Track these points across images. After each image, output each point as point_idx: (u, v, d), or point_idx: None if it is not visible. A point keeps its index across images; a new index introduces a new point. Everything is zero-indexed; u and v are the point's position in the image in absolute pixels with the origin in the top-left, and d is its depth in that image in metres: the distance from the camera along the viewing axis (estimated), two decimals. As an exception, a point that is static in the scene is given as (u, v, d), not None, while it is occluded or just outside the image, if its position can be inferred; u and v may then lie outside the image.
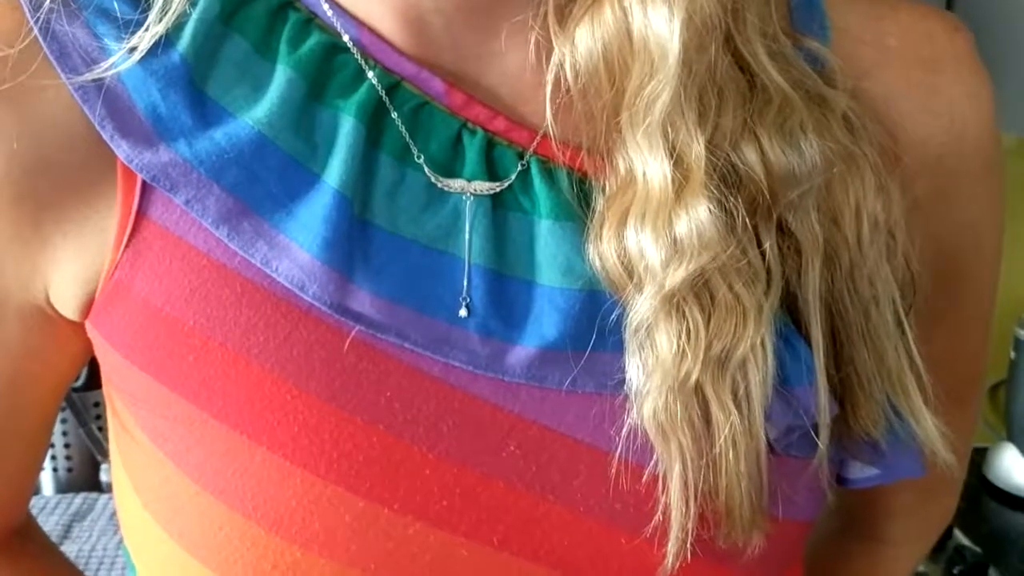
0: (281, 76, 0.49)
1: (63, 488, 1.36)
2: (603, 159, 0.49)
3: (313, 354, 0.49)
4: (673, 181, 0.47)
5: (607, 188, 0.49)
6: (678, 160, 0.47)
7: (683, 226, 0.47)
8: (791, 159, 0.49)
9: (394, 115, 0.50)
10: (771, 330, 0.48)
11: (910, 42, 0.54)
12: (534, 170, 0.50)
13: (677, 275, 0.47)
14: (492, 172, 0.50)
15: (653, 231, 0.47)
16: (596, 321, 0.49)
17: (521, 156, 0.51)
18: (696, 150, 0.47)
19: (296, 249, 0.48)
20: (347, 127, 0.49)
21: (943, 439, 0.53)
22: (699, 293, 0.48)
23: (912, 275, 0.53)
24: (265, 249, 0.48)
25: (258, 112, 0.49)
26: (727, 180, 0.48)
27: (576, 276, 0.49)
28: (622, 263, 0.48)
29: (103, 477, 1.33)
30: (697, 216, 0.47)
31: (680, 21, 0.45)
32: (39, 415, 0.59)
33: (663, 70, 0.46)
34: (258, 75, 0.50)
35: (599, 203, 0.49)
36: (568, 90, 0.49)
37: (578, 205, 0.50)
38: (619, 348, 0.49)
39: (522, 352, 0.49)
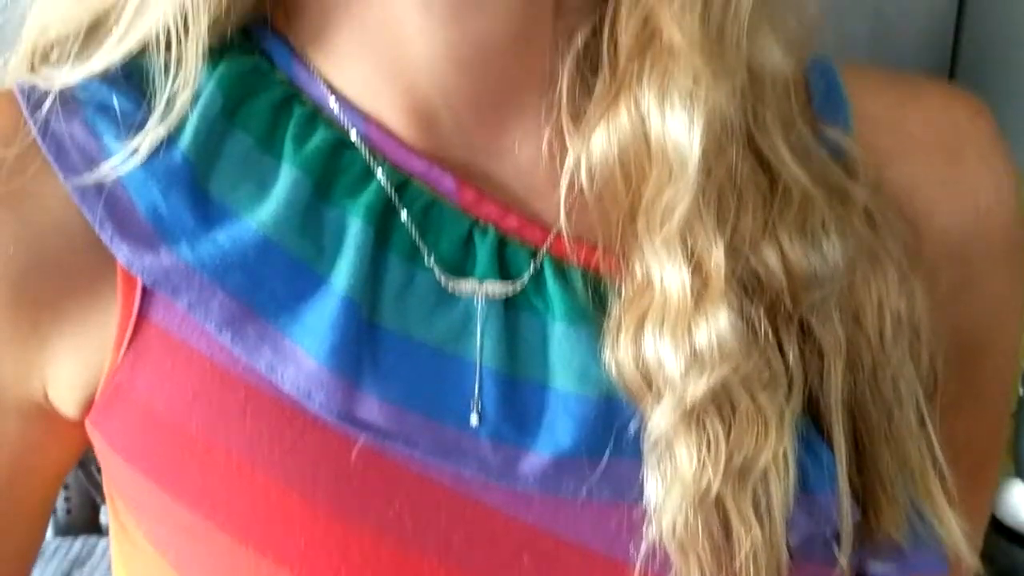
0: (287, 176, 0.47)
1: (62, 530, 1.34)
2: (619, 260, 0.48)
3: (320, 463, 0.47)
4: (692, 289, 0.45)
5: (623, 291, 0.48)
6: (697, 267, 0.46)
7: (703, 337, 0.45)
8: (813, 261, 0.48)
9: (403, 215, 0.48)
10: (793, 438, 0.47)
11: (933, 130, 0.53)
12: (547, 270, 0.49)
13: (698, 387, 0.45)
14: (504, 271, 0.49)
15: (672, 340, 0.46)
16: (613, 429, 0.47)
17: (534, 255, 0.49)
18: (716, 256, 0.46)
19: (302, 355, 0.46)
20: (355, 229, 0.47)
21: (967, 540, 0.52)
22: (720, 404, 0.46)
23: (935, 373, 0.52)
24: (270, 355, 0.47)
25: (263, 214, 0.47)
26: (747, 285, 0.47)
27: (592, 382, 0.47)
28: (640, 372, 0.46)
29: (103, 519, 1.31)
30: (717, 326, 0.45)
31: (700, 129, 0.44)
32: (40, 501, 0.58)
33: (682, 178, 0.44)
34: (262, 172, 0.48)
35: (615, 307, 0.47)
36: (583, 190, 0.48)
37: (593, 307, 0.48)
38: (637, 456, 0.47)
39: (536, 460, 0.47)
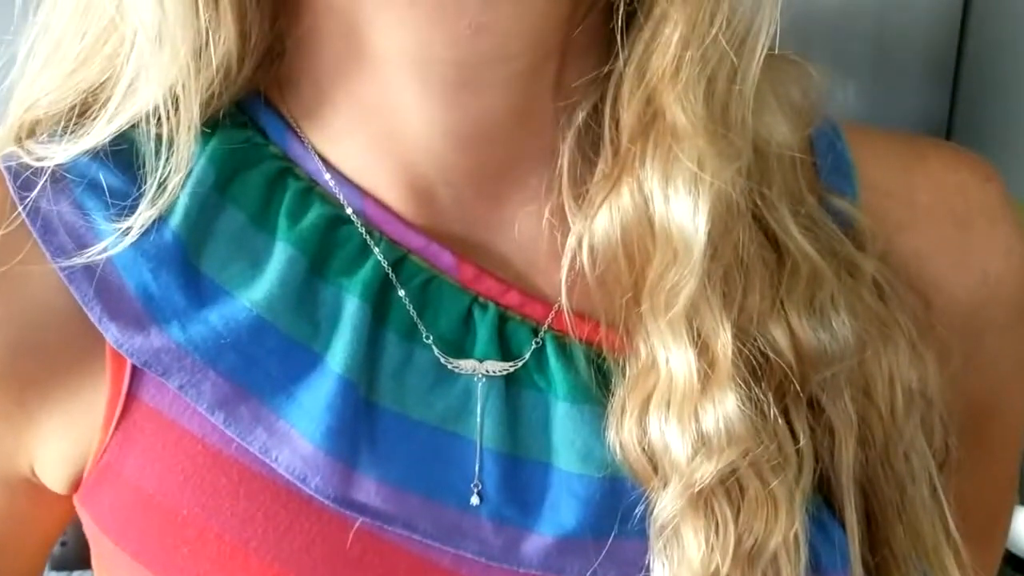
0: (281, 254, 0.46)
1: (57, 564, 1.32)
2: (623, 339, 0.46)
3: (316, 546, 0.45)
4: (698, 372, 0.44)
5: (627, 370, 0.46)
6: (703, 349, 0.44)
7: (710, 421, 0.44)
8: (822, 339, 0.46)
9: (401, 292, 0.47)
10: (804, 519, 0.45)
11: (941, 197, 0.52)
12: (549, 348, 0.47)
13: (705, 472, 0.44)
14: (505, 348, 0.47)
15: (679, 424, 0.44)
16: (618, 510, 0.46)
17: (535, 331, 0.48)
18: (722, 338, 0.44)
19: (297, 437, 0.45)
20: (351, 308, 0.46)
21: None
22: (728, 488, 0.44)
23: (948, 444, 0.51)
24: (264, 437, 0.45)
25: (256, 293, 0.46)
26: (755, 365, 0.45)
27: (596, 463, 0.46)
28: (646, 454, 0.45)
29: (98, 554, 1.30)
30: (725, 410, 0.44)
31: (705, 213, 0.43)
32: (31, 565, 0.57)
33: (687, 262, 0.43)
34: (256, 249, 0.47)
35: (619, 387, 0.46)
36: (584, 269, 0.46)
37: (596, 385, 0.47)
38: (642, 537, 0.46)
39: (539, 541, 0.46)
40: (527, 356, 0.47)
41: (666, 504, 0.45)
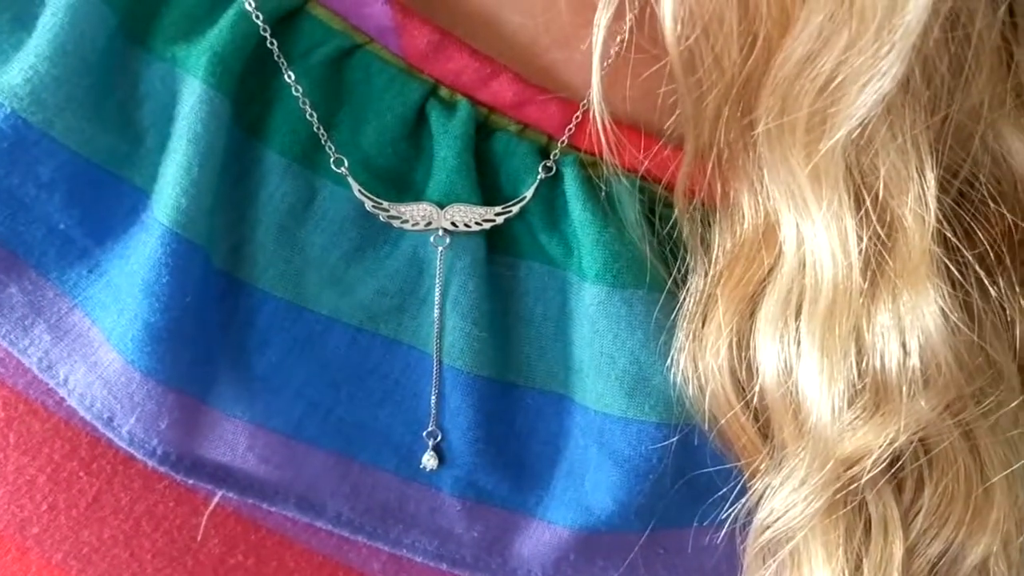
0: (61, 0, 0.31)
1: None
2: (711, 179, 0.31)
3: (140, 538, 0.31)
4: (866, 260, 0.28)
5: (718, 237, 0.31)
6: (875, 210, 0.28)
7: (890, 345, 0.28)
8: None
9: (288, 75, 0.31)
10: None
11: None
12: (569, 183, 0.32)
13: (869, 446, 0.28)
14: (489, 184, 0.33)
15: (823, 351, 0.28)
16: (694, 485, 0.31)
17: (544, 153, 0.32)
18: (916, 187, 0.27)
19: (101, 345, 0.30)
20: (191, 100, 0.30)
21: None
22: (902, 470, 0.30)
23: None
24: (47, 341, 0.30)
25: (12, 75, 0.30)
26: (964, 223, 0.29)
27: (653, 399, 0.31)
28: (748, 406, 0.30)
29: None
30: (920, 322, 0.28)
31: None
32: None
33: (879, 37, 0.25)
34: None
35: (698, 264, 0.31)
36: (644, 35, 0.29)
37: (657, 257, 0.31)
38: (730, 545, 0.32)
39: (545, 534, 0.32)
40: (528, 196, 0.32)
41: (783, 503, 0.30)
